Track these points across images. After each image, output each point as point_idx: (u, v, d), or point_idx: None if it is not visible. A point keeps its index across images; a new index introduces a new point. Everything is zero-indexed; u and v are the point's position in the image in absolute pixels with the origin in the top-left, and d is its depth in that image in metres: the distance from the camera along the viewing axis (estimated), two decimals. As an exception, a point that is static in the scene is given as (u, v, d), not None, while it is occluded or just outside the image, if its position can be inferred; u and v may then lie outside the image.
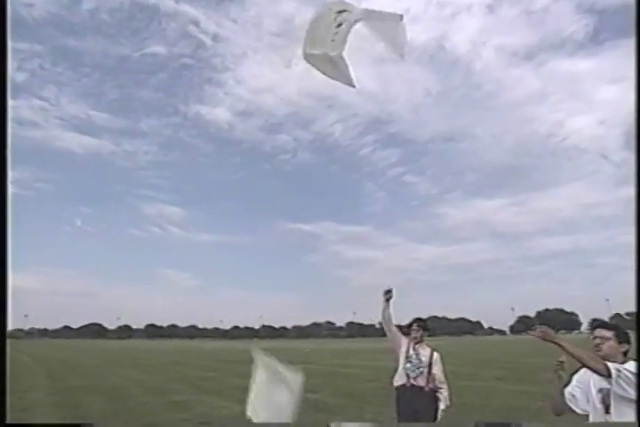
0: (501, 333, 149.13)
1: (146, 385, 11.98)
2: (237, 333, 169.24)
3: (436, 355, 4.04)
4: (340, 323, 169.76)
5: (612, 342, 2.32)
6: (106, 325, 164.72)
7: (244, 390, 2.47)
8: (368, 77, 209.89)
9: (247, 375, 2.45)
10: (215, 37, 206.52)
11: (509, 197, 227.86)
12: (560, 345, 2.25)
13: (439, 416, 3.79)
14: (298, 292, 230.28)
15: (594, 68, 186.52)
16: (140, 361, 24.51)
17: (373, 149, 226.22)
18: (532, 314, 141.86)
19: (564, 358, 2.49)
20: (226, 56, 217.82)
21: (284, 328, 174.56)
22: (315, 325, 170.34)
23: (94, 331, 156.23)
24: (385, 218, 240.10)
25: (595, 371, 2.18)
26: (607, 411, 2.22)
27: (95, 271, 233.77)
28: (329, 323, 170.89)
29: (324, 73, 2.06)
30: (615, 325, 2.47)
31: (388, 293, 4.14)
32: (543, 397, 7.52)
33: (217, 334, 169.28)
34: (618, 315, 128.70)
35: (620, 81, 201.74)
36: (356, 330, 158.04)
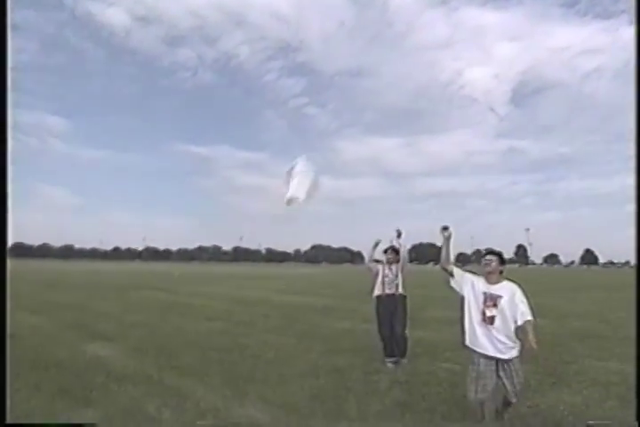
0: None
1: None
2: (118, 254, 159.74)
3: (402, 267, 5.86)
4: (226, 247, 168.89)
5: (495, 263, 3.28)
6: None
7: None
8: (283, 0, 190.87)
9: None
10: None
11: (402, 138, 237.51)
12: None
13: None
14: (186, 215, 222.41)
15: (498, 23, 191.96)
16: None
17: (279, 75, 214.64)
18: (408, 247, 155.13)
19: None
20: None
21: (169, 251, 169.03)
22: (200, 248, 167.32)
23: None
24: (282, 147, 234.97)
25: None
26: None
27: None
28: (216, 247, 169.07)
29: None
30: (498, 251, 3.36)
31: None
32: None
33: (95, 255, 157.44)
34: (478, 250, 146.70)
35: (518, 39, 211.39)
36: (242, 255, 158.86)
